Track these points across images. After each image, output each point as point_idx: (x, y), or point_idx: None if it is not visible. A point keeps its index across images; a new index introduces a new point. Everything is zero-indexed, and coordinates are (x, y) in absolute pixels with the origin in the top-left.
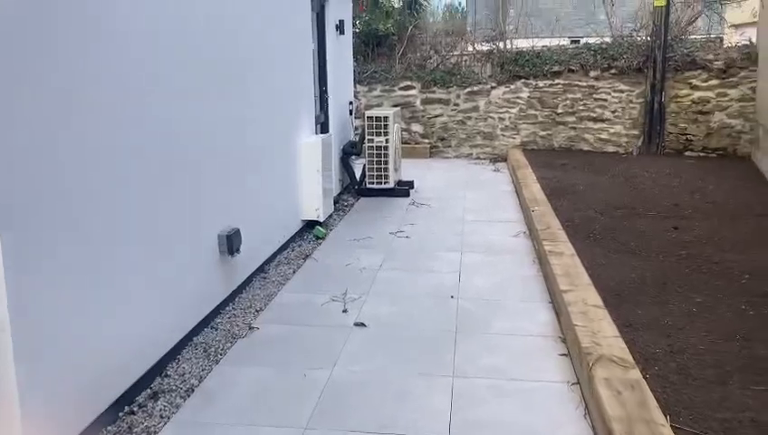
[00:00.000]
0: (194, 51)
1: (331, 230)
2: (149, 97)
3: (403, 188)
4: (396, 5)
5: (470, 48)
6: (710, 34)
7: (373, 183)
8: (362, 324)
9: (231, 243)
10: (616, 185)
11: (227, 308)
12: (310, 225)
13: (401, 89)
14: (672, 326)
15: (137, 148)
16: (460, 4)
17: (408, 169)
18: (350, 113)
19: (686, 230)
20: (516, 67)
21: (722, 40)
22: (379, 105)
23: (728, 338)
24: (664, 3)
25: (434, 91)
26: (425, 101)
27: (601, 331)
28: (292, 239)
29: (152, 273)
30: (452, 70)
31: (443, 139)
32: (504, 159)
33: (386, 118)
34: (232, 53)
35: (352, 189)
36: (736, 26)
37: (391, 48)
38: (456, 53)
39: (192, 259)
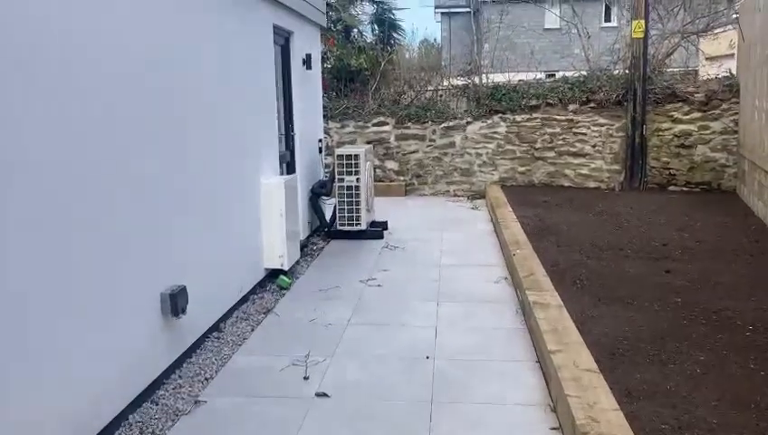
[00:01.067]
0: (132, 86)
1: (296, 279)
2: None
3: (376, 230)
4: (369, 40)
5: (445, 83)
6: (687, 66)
7: (344, 225)
8: (325, 395)
9: (175, 303)
10: (600, 223)
11: (173, 377)
12: (274, 273)
13: (375, 125)
14: (676, 393)
15: (51, 194)
16: (435, 39)
17: (383, 208)
18: (320, 151)
19: (678, 273)
20: (493, 101)
21: (697, 72)
22: (351, 142)
23: (741, 407)
24: (642, 34)
25: (408, 127)
26: (399, 137)
27: (598, 402)
28: (253, 291)
29: (77, 343)
30: (427, 105)
31: (419, 176)
32: (483, 196)
33: (356, 156)
34: (177, 91)
35: (322, 232)
36: (712, 58)
37: (364, 83)
38: (430, 87)
39: (128, 324)
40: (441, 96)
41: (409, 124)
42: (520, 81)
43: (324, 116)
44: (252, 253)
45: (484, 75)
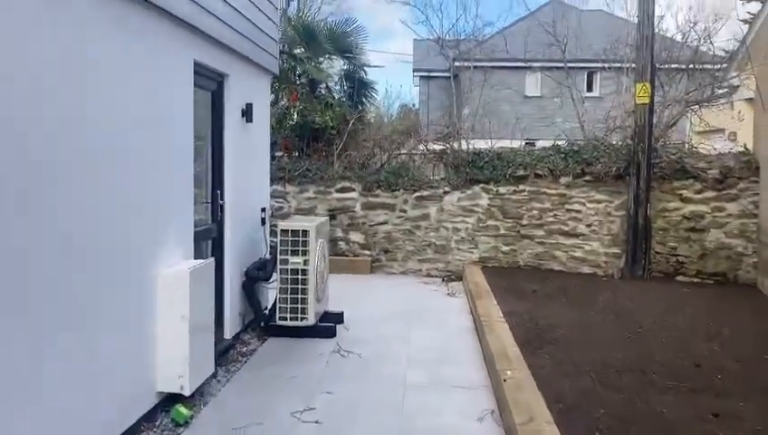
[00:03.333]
0: None
1: (204, 406)
2: None
3: (327, 326)
4: (337, 96)
5: (421, 147)
6: (690, 139)
7: (286, 319)
8: None
9: None
10: (607, 326)
11: None
12: (172, 398)
13: (339, 191)
14: None
15: None
16: (414, 105)
17: (342, 291)
18: (263, 223)
19: (731, 419)
20: (474, 170)
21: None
22: (311, 209)
23: None
24: (647, 99)
25: (377, 195)
26: (366, 206)
27: None
28: (136, 429)
29: None
30: (399, 170)
31: (387, 251)
32: (460, 278)
33: (305, 232)
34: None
35: (258, 327)
36: (703, 133)
37: (330, 143)
38: (404, 151)
39: None
40: (415, 161)
41: (378, 192)
42: (503, 148)
43: (282, 178)
44: (137, 372)
45: (463, 140)
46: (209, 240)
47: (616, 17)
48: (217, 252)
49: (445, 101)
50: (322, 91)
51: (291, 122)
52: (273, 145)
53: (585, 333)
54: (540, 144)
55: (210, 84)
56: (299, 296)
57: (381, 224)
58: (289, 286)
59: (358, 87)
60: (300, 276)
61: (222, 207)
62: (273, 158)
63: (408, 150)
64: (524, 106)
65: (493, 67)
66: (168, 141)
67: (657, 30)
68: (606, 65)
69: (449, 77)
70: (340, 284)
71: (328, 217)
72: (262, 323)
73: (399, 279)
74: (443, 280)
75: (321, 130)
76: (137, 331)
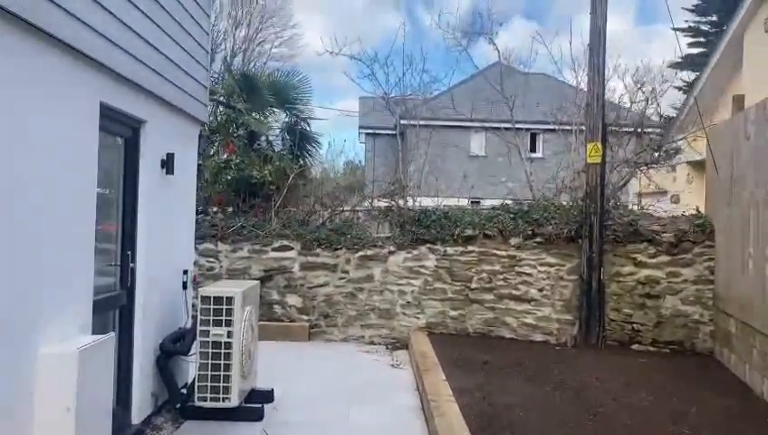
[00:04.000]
0: None
1: None
2: None
3: (254, 407)
4: (278, 148)
5: (365, 203)
6: (638, 201)
7: (206, 399)
8: None
9: None
10: (566, 406)
11: None
12: None
13: (276, 249)
14: None
15: None
16: (360, 161)
17: (275, 361)
18: (185, 287)
19: None
20: (420, 229)
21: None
22: (245, 269)
23: None
24: (599, 159)
25: (317, 254)
26: (306, 266)
27: None
28: None
29: None
30: (341, 228)
31: (327, 316)
32: (406, 346)
33: (229, 299)
34: None
35: (173, 408)
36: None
37: (269, 199)
38: (347, 208)
39: None
40: (360, 219)
41: (319, 250)
42: (449, 206)
43: (214, 236)
44: None
45: (410, 198)
46: (116, 309)
47: (559, 81)
48: (126, 322)
49: (390, 159)
50: (262, 144)
51: (227, 177)
52: (208, 200)
53: (543, 414)
54: (486, 203)
55: (123, 130)
56: (221, 374)
57: (321, 286)
58: (210, 362)
59: (300, 140)
60: (223, 350)
61: (133, 270)
62: (205, 214)
63: (352, 207)
64: (470, 165)
65: (439, 126)
66: (63, 195)
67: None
68: (555, 126)
69: (395, 134)
70: (272, 353)
71: (258, 282)
72: (178, 405)
73: (340, 347)
74: (387, 348)
75: (258, 184)
76: (12, 426)
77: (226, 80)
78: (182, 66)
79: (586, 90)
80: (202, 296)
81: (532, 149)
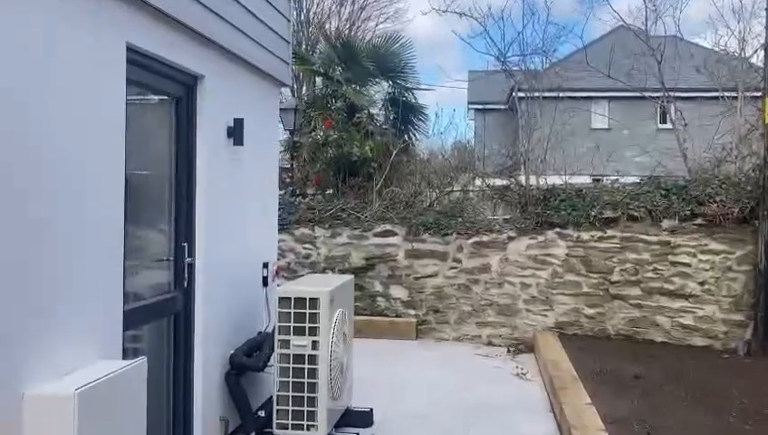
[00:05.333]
0: None
1: None
2: None
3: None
4: (379, 123)
5: (478, 182)
6: None
7: (287, 426)
8: None
9: None
10: None
11: None
12: None
13: (378, 235)
14: None
15: None
16: (468, 141)
17: (377, 367)
18: (265, 283)
19: None
20: (547, 210)
21: None
22: (344, 257)
23: None
24: None
25: (424, 240)
26: (411, 254)
27: None
28: None
29: None
30: (451, 211)
31: (437, 311)
32: (531, 349)
33: (314, 301)
34: None
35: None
36: None
37: (369, 179)
38: (457, 187)
39: None
40: (472, 199)
41: (426, 236)
42: (583, 184)
43: (311, 221)
44: None
45: (532, 174)
46: (169, 316)
47: (691, 43)
48: (183, 332)
49: (502, 136)
50: (362, 118)
51: (326, 155)
52: (305, 181)
53: None
54: (607, 181)
55: (171, 87)
56: (305, 395)
57: (430, 277)
58: (291, 379)
59: (404, 112)
60: (306, 365)
61: (191, 266)
62: (303, 196)
63: (463, 186)
64: (591, 139)
65: (557, 97)
66: (68, 174)
67: None
68: (706, 92)
69: (507, 109)
70: (374, 355)
71: (352, 277)
72: (252, 434)
73: (453, 349)
74: (509, 351)
75: (359, 162)
76: None
77: (324, 49)
78: (253, 10)
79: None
80: (280, 298)
81: (663, 120)
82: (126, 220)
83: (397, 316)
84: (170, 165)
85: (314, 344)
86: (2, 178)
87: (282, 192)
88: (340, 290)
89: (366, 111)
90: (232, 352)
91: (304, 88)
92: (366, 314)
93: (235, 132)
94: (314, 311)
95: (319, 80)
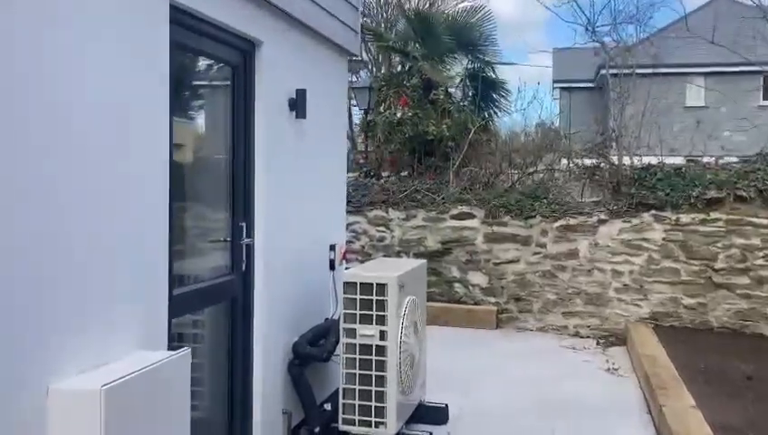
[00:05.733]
0: None
1: None
2: None
3: (420, 434)
4: (457, 100)
5: (564, 161)
6: None
7: (354, 422)
8: None
9: None
10: None
11: None
12: None
13: (455, 217)
14: None
15: None
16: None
17: (453, 358)
18: (332, 267)
19: None
20: (642, 190)
21: None
22: (420, 240)
23: None
24: None
25: (505, 223)
26: (491, 238)
27: None
28: None
29: None
30: (535, 191)
31: (519, 299)
32: (623, 341)
33: (381, 287)
34: None
35: (311, 432)
36: None
37: (446, 158)
38: (541, 167)
39: None
40: (558, 179)
41: (507, 219)
42: (690, 161)
43: (385, 202)
44: None
45: (625, 153)
46: (226, 301)
47: None
48: (241, 318)
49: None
50: (439, 95)
51: (401, 135)
52: (380, 162)
53: None
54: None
55: (226, 54)
56: (372, 389)
57: (511, 262)
58: (357, 371)
59: (483, 88)
60: (374, 357)
61: (249, 247)
62: (378, 177)
63: (548, 166)
64: (684, 118)
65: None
66: (102, 151)
67: None
68: None
69: (595, 87)
70: (451, 345)
71: (424, 262)
72: (317, 429)
73: (536, 339)
74: (598, 343)
75: (435, 142)
76: None
77: (399, 24)
78: None
79: None
80: (345, 283)
81: (766, 96)
82: (176, 199)
83: (475, 304)
84: (227, 139)
85: (382, 334)
86: (32, 160)
87: (356, 174)
88: (411, 276)
89: (443, 88)
90: (296, 339)
91: (383, 69)
92: (442, 301)
93: (298, 104)
94: (382, 298)
95: (396, 59)
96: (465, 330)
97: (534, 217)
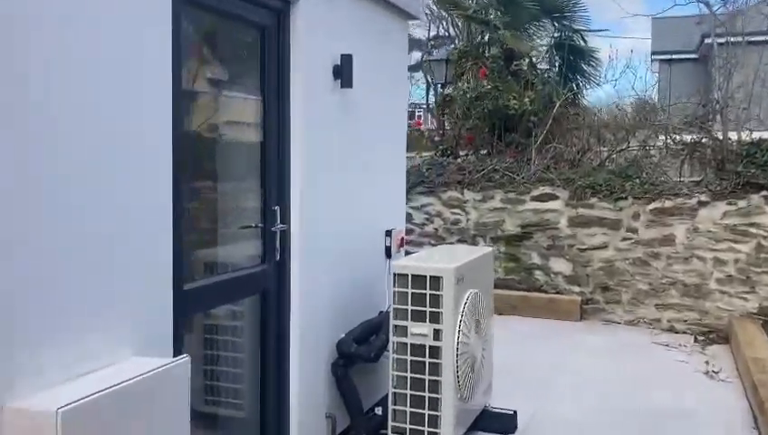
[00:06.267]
0: None
1: None
2: None
3: None
4: (541, 71)
5: (661, 137)
6: None
7: (404, 431)
8: None
9: None
10: None
11: None
12: None
13: (536, 199)
14: None
15: None
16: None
17: (529, 352)
18: (388, 255)
19: None
20: (750, 168)
21: None
22: (497, 223)
23: None
24: None
25: (592, 205)
26: (576, 221)
27: None
28: None
29: None
30: (626, 170)
31: (606, 289)
32: (726, 339)
33: (436, 281)
34: None
35: None
36: None
37: (528, 135)
38: (634, 144)
39: None
40: (653, 156)
41: (594, 201)
42: None
43: (460, 183)
44: None
45: (731, 127)
46: (255, 295)
47: None
48: (275, 313)
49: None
50: (522, 66)
51: (479, 109)
52: (457, 140)
53: None
54: None
55: (251, 13)
56: (425, 395)
57: (598, 248)
58: (408, 374)
59: (571, 58)
60: (427, 359)
61: (284, 234)
62: (455, 156)
63: (641, 142)
64: None
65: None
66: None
67: None
68: None
69: (697, 58)
70: (528, 338)
71: (490, 250)
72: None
73: (625, 334)
74: (696, 341)
75: (517, 116)
76: None
77: None
78: None
79: None
80: (395, 275)
81: None
82: (193, 179)
83: (557, 293)
84: (258, 111)
85: (436, 333)
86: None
87: (431, 153)
88: (473, 266)
89: (526, 58)
90: (342, 336)
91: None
92: (521, 289)
93: (343, 72)
94: (436, 292)
95: (473, 27)
96: (544, 321)
97: (625, 198)
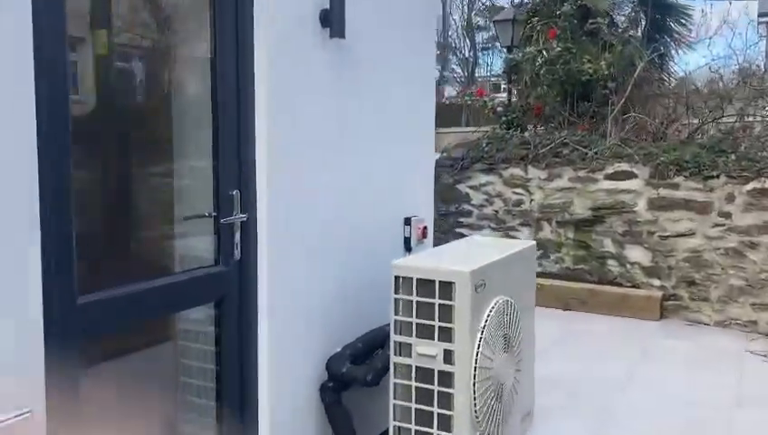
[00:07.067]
0: None
1: None
2: None
3: None
4: (621, 30)
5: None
6: None
7: None
8: None
9: None
10: None
11: None
12: None
13: (610, 177)
14: None
15: None
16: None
17: (590, 359)
18: (408, 248)
19: None
20: None
21: None
22: (565, 205)
23: None
24: None
25: (676, 185)
26: (656, 204)
27: None
28: None
29: None
30: (719, 144)
31: (692, 283)
32: None
33: (447, 287)
34: None
35: None
36: None
37: (605, 103)
38: (729, 114)
39: None
40: (753, 128)
41: (679, 180)
42: None
43: (522, 159)
44: None
45: None
46: (209, 303)
47: None
48: (237, 325)
49: None
50: (599, 25)
51: (551, 76)
52: (525, 111)
53: None
54: None
55: None
56: (434, 432)
57: (683, 236)
58: (413, 405)
59: (656, 14)
60: (436, 387)
61: (246, 226)
62: (522, 129)
63: (739, 112)
64: None
65: None
66: None
67: None
68: None
69: None
70: (592, 341)
71: (533, 244)
72: None
73: (712, 337)
74: None
75: (593, 83)
76: None
77: None
78: None
79: None
80: (396, 277)
81: None
82: (109, 153)
83: (633, 286)
84: (204, 66)
85: (447, 355)
86: None
87: (494, 127)
88: (503, 266)
89: (604, 16)
90: (338, 350)
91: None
92: (591, 281)
93: (333, 17)
94: (448, 301)
95: None
96: (616, 320)
97: (717, 177)
